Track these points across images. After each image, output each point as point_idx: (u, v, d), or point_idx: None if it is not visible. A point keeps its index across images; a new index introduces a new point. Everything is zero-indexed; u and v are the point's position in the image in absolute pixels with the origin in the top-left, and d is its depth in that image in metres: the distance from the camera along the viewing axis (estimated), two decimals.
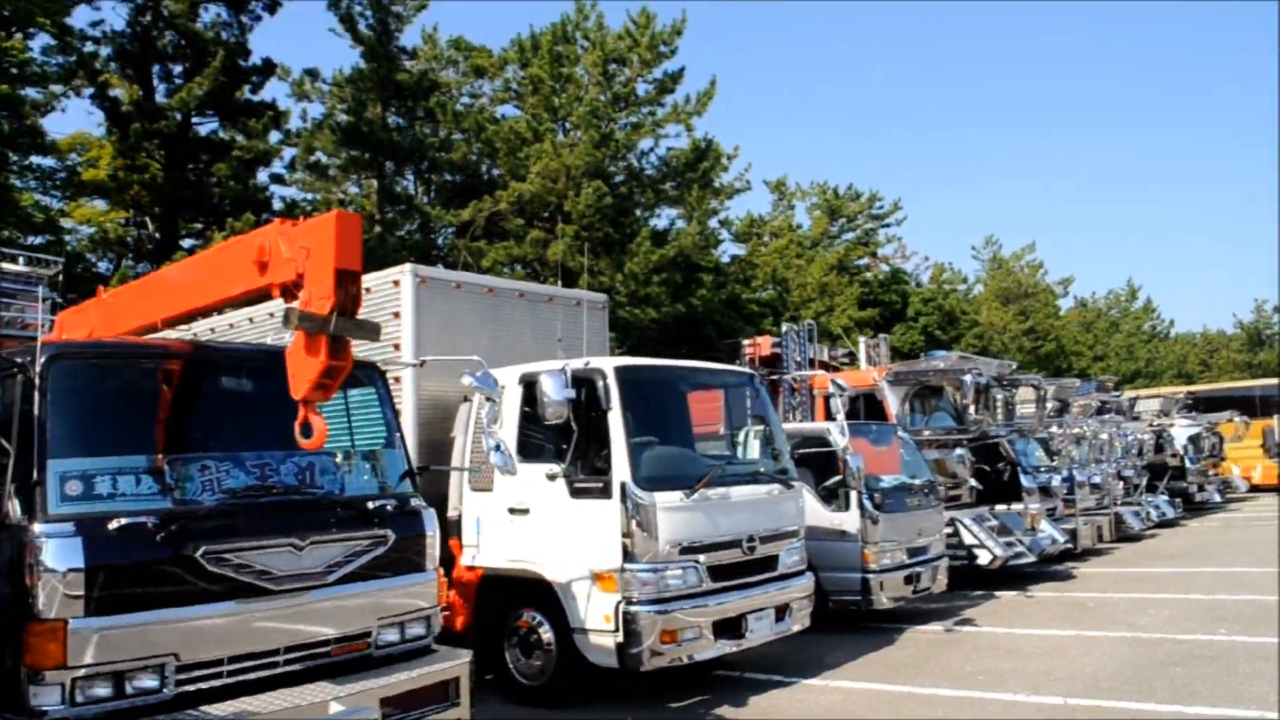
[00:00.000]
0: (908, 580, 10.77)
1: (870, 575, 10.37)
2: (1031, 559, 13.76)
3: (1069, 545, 15.24)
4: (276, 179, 28.73)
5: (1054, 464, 16.47)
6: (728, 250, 40.28)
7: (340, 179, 31.57)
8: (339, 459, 6.30)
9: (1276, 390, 33.37)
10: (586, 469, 7.74)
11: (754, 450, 9.20)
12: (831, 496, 10.69)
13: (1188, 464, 24.64)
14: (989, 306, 52.66)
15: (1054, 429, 17.39)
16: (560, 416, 7.32)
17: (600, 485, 7.57)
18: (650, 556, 7.39)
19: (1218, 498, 26.30)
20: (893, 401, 14.95)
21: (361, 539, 5.75)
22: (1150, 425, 24.62)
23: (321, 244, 5.06)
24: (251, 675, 5.19)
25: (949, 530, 12.68)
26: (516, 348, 9.37)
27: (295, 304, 5.08)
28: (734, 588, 7.96)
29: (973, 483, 14.01)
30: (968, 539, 13.10)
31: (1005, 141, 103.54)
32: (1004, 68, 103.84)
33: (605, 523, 7.49)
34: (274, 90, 76.83)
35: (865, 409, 15.15)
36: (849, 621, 10.84)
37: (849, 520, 10.51)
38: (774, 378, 17.44)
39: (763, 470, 8.89)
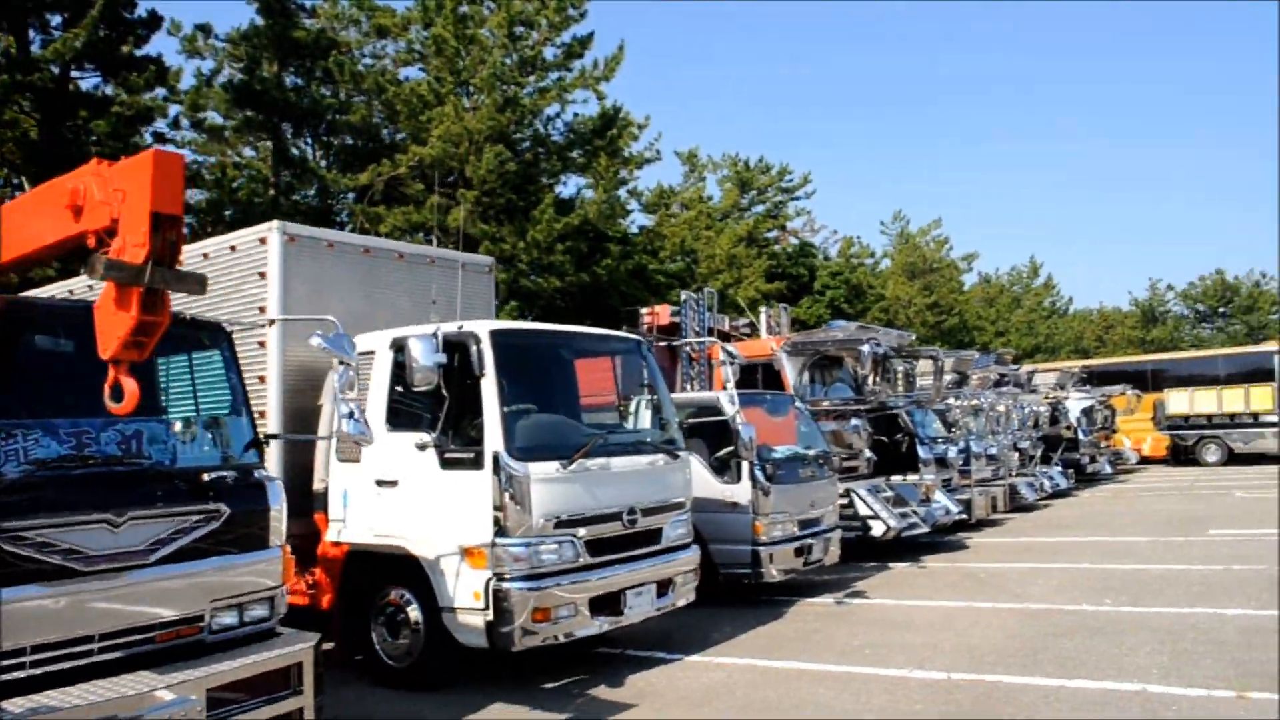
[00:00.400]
0: (799, 552, 10.58)
1: (761, 548, 10.15)
2: (925, 530, 13.78)
3: (963, 516, 15.35)
4: (160, 137, 27.34)
5: (951, 435, 16.56)
6: (636, 220, 39.93)
7: (235, 141, 30.32)
8: (176, 427, 5.79)
9: (1167, 365, 34.38)
10: (458, 439, 7.30)
11: (643, 420, 8.86)
12: (723, 467, 10.45)
13: (1081, 436, 25.23)
14: (895, 281, 53.20)
15: (951, 401, 17.48)
16: (430, 383, 6.87)
17: (472, 456, 7.15)
18: (523, 531, 7.00)
19: (1109, 469, 27.02)
20: (790, 371, 14.78)
21: (192, 514, 5.24)
22: (1046, 398, 25.06)
23: (138, 186, 4.52)
24: (60, 665, 4.68)
25: (844, 501, 12.57)
26: (394, 311, 8.92)
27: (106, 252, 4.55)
28: (614, 562, 7.60)
29: (869, 454, 13.94)
30: (862, 510, 13.03)
31: (915, 117, 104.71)
32: (914, 44, 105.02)
33: (476, 495, 7.07)
34: (165, 46, 73.95)
35: (764, 379, 14.98)
36: (739, 595, 10.62)
37: (740, 491, 10.28)
38: (666, 345, 17.14)
39: (648, 440, 8.55)
